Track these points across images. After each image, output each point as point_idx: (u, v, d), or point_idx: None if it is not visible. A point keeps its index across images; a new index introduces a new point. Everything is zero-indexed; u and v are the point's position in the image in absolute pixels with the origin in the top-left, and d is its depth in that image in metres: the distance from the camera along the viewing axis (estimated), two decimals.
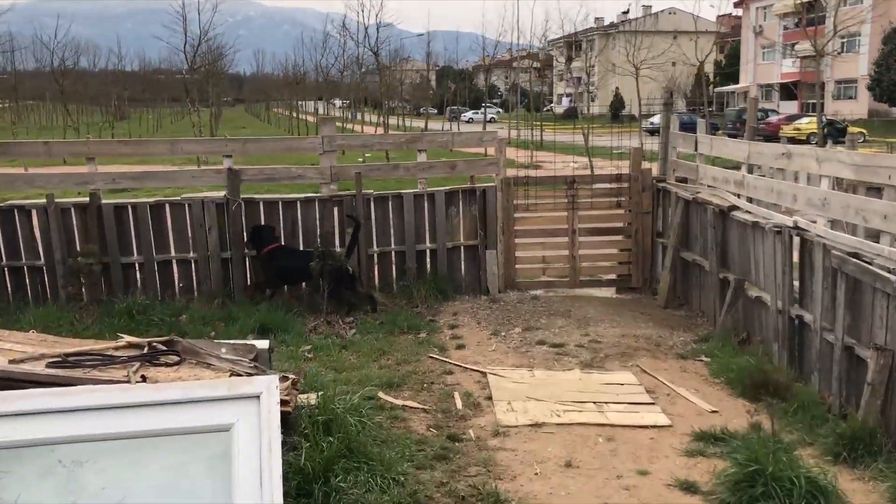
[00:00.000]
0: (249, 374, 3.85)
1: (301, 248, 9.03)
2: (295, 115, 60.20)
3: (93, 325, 7.99)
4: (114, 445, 3.24)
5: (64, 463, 3.20)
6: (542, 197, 9.65)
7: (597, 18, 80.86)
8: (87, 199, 8.80)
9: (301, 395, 5.33)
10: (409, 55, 66.52)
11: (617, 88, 64.28)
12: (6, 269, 8.81)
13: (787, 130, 40.22)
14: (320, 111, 65.51)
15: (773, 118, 45.07)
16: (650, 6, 76.46)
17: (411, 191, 9.47)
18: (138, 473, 3.19)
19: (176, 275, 9.13)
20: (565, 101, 79.25)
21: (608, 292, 9.78)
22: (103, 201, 8.89)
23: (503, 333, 7.98)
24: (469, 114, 66.33)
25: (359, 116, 57.78)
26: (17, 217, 8.79)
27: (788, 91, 61.26)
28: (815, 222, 6.70)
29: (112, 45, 72.45)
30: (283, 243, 8.94)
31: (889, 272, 5.15)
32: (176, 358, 3.93)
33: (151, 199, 9.23)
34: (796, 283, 6.57)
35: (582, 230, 9.62)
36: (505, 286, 9.55)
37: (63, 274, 8.60)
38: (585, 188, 9.67)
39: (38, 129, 53.32)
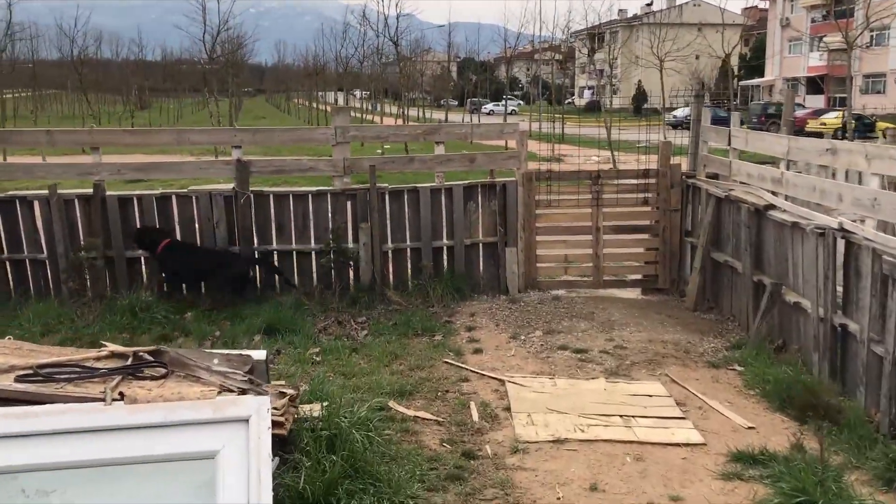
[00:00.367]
0: (242, 390, 3.46)
1: (199, 245, 8.63)
2: (315, 105, 59.94)
3: (94, 323, 7.68)
4: (84, 473, 2.88)
5: (27, 493, 2.84)
6: (564, 192, 9.20)
7: (620, 10, 79.89)
8: (91, 190, 8.47)
9: (304, 406, 4.95)
10: (430, 46, 65.96)
11: (640, 81, 63.45)
12: (7, 261, 8.52)
13: (814, 125, 39.30)
14: (340, 102, 65.24)
15: (798, 112, 44.08)
16: None
17: (428, 185, 9.06)
18: None
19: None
20: (587, 93, 78.56)
21: (633, 293, 9.32)
22: (108, 193, 8.56)
23: (523, 337, 7.56)
24: (490, 106, 65.81)
25: (379, 108, 57.36)
26: (18, 208, 8.49)
27: (814, 85, 60.07)
28: (861, 223, 6.22)
29: (134, 35, 72.49)
30: (177, 239, 8.56)
31: None
32: (162, 370, 3.55)
33: (157, 192, 8.88)
34: (839, 289, 6.09)
35: (606, 228, 9.16)
36: (525, 286, 9.12)
37: (65, 268, 8.28)
38: (610, 184, 9.21)
39: (60, 118, 53.42)
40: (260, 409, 2.93)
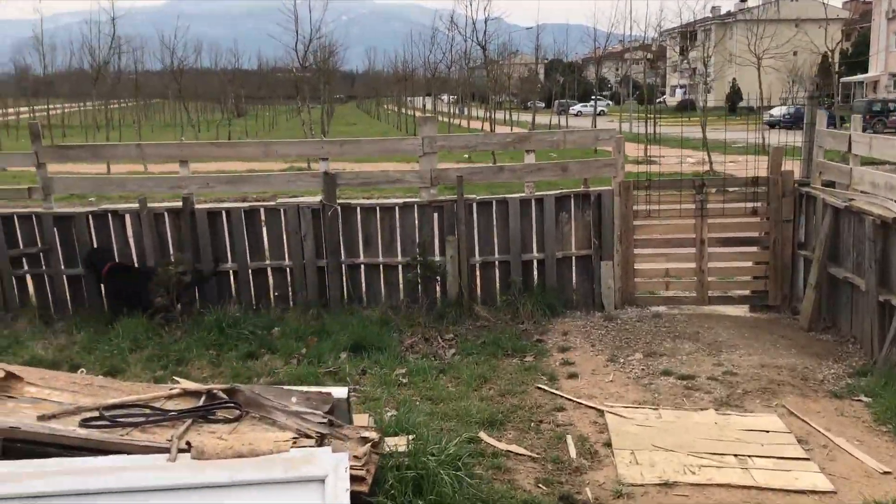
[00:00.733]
0: (320, 435, 3.16)
1: (139, 266, 8.46)
2: (403, 110, 60.35)
3: (181, 339, 7.62)
4: None
5: None
6: (664, 201, 8.62)
7: (713, 8, 77.29)
8: (181, 203, 8.45)
9: (389, 440, 4.64)
10: (518, 49, 65.43)
11: (734, 79, 61.19)
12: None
13: None
14: (428, 106, 65.48)
15: None
16: None
17: (517, 195, 8.66)
18: None
19: (271, 283, 8.68)
20: (679, 92, 76.39)
21: (741, 311, 8.65)
22: (197, 206, 8.53)
23: (621, 360, 7.05)
24: (578, 107, 64.88)
25: (466, 111, 57.23)
26: (111, 221, 8.54)
27: None
28: None
29: (232, 45, 74.66)
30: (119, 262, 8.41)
31: None
32: (236, 412, 3.29)
33: (245, 204, 8.80)
34: None
35: (711, 240, 8.54)
36: (622, 302, 8.60)
37: (155, 283, 8.26)
38: (716, 193, 8.58)
39: (162, 127, 55.48)
40: (337, 468, 2.62)
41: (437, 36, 55.74)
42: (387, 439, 4.66)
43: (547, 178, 9.22)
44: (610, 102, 73.73)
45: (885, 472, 4.91)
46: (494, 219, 8.55)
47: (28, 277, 8.69)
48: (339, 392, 3.65)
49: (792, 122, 22.87)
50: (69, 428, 2.91)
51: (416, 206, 8.50)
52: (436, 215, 8.51)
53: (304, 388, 3.61)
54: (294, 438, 3.07)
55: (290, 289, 8.64)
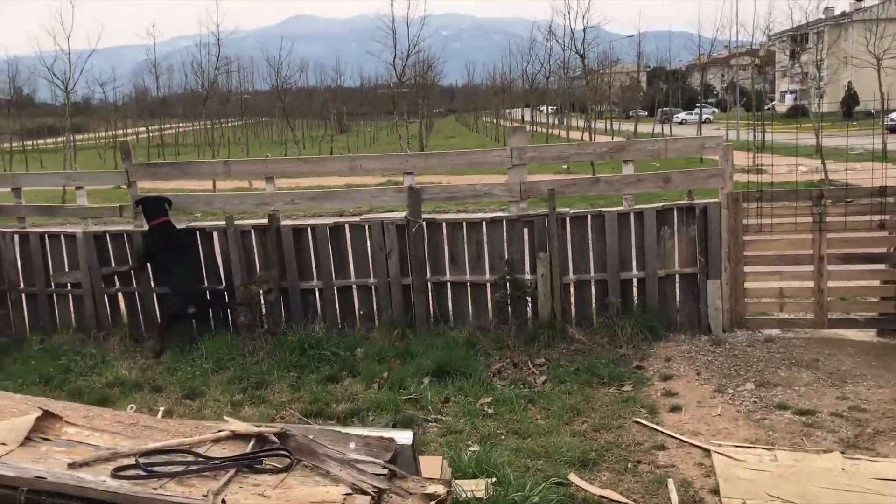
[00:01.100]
0: (378, 490, 2.77)
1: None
2: (501, 122, 60.04)
3: (264, 360, 7.44)
4: None
5: None
6: (777, 214, 7.86)
7: (826, 9, 73.50)
8: (266, 220, 8.33)
9: (467, 483, 4.22)
10: (619, 57, 64.03)
11: (849, 82, 57.83)
12: None
13: None
14: (526, 118, 64.94)
15: None
16: None
17: (615, 209, 8.09)
18: None
19: (356, 302, 8.43)
20: (789, 97, 73.03)
21: (866, 335, 7.77)
22: (282, 223, 8.39)
23: (731, 390, 6.38)
24: (682, 115, 62.96)
25: (565, 122, 56.35)
26: (198, 239, 8.50)
27: None
28: None
29: (335, 63, 76.24)
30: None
31: None
32: (287, 460, 2.95)
33: (330, 221, 8.59)
34: None
35: (832, 256, 7.72)
36: (730, 324, 7.88)
37: (239, 301, 8.15)
38: (836, 204, 7.76)
39: (269, 144, 57.19)
40: None
41: (535, 47, 55.17)
42: (464, 483, 4.24)
43: (647, 189, 8.63)
44: (716, 110, 71.21)
45: None
46: (590, 234, 8.02)
47: (120, 295, 8.76)
48: (403, 437, 3.25)
49: None
50: (99, 479, 2.63)
51: (505, 221, 8.07)
52: (526, 231, 8.05)
53: (365, 432, 3.23)
54: (346, 495, 2.69)
55: (375, 307, 8.37)
